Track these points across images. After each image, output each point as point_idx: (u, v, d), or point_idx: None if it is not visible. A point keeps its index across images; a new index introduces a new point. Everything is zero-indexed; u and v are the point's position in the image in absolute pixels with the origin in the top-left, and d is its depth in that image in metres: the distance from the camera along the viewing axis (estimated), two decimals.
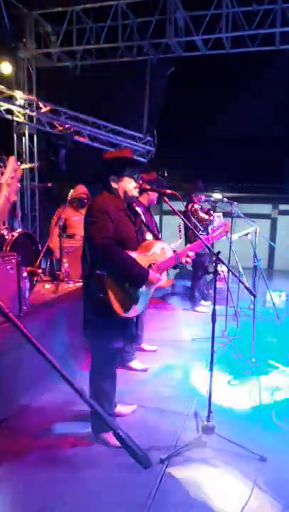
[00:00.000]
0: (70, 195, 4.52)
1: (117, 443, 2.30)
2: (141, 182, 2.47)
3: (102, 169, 2.42)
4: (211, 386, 2.54)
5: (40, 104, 6.83)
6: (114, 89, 7.00)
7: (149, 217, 3.74)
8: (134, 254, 2.31)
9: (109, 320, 2.29)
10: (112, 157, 2.43)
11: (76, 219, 4.78)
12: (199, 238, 2.52)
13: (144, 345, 4.03)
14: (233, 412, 2.92)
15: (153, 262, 2.46)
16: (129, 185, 2.39)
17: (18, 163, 3.22)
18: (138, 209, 2.60)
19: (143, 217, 2.73)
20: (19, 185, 2.94)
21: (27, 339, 0.96)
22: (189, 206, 5.45)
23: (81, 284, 4.01)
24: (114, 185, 2.38)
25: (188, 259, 2.63)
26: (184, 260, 2.60)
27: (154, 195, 3.73)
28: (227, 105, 8.99)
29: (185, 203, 5.49)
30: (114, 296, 2.21)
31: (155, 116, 7.79)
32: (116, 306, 2.21)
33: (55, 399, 2.99)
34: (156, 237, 2.76)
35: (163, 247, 2.56)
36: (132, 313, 2.33)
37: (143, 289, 2.36)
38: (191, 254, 2.64)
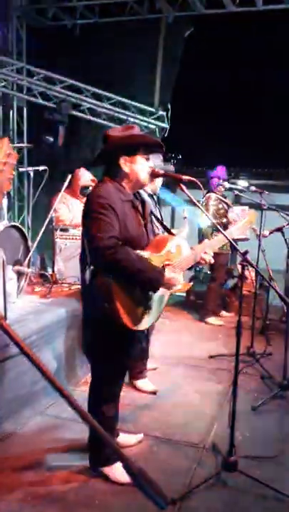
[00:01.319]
0: (67, 180, 4.52)
1: (120, 478, 2.37)
2: (153, 166, 2.47)
3: (111, 148, 2.36)
4: (233, 413, 2.53)
5: (32, 71, 6.87)
6: (121, 54, 7.01)
7: (154, 206, 3.73)
8: (145, 254, 2.31)
9: (116, 334, 2.28)
10: (128, 135, 2.38)
11: (78, 210, 4.78)
12: (222, 233, 2.52)
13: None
14: (260, 445, 2.91)
15: (167, 262, 2.46)
16: (141, 169, 2.37)
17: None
18: (146, 197, 2.60)
19: (153, 207, 2.73)
20: (14, 172, 2.94)
21: (18, 347, 0.97)
22: (206, 196, 5.45)
23: (79, 287, 4.03)
24: (125, 168, 2.35)
25: (209, 257, 2.62)
26: (205, 259, 2.57)
27: (159, 182, 3.74)
28: (257, 74, 8.96)
29: (205, 192, 5.49)
30: (122, 306, 2.19)
31: (169, 87, 7.78)
32: (125, 318, 2.20)
33: (45, 424, 3.01)
34: (169, 232, 2.76)
35: (179, 244, 2.56)
36: (144, 325, 2.33)
37: (156, 295, 2.36)
38: (210, 252, 2.63)
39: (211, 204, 5.41)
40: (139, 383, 3.59)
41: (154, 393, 3.55)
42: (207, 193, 5.52)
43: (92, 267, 2.25)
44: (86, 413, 1.00)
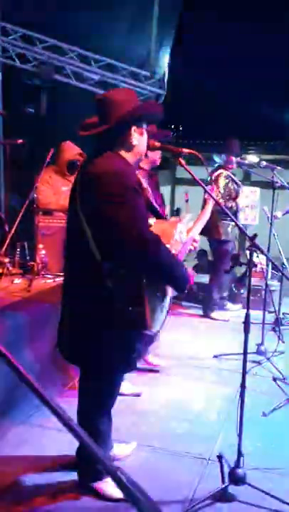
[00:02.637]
0: (50, 155, 4.49)
1: (114, 494, 2.39)
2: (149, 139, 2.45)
3: (124, 117, 2.24)
4: (241, 419, 2.55)
5: (7, 29, 6.77)
6: (110, 7, 6.91)
7: (154, 187, 3.69)
8: None
9: (132, 341, 2.30)
10: (141, 104, 2.35)
11: (64, 190, 4.74)
12: (230, 216, 2.52)
13: (151, 358, 4.03)
14: (272, 455, 2.94)
15: (173, 252, 2.45)
16: (145, 142, 2.37)
17: None
18: (141, 178, 2.59)
19: (149, 189, 2.72)
20: None
21: None
22: (216, 173, 5.43)
23: (62, 279, 4.05)
24: (135, 140, 2.29)
25: (196, 245, 2.65)
26: (193, 246, 2.61)
27: (155, 155, 3.66)
28: (272, 36, 8.83)
29: (210, 169, 5.47)
30: (148, 307, 2.18)
31: (166, 46, 7.70)
32: (149, 321, 2.20)
33: (28, 435, 3.02)
34: (159, 216, 2.73)
35: (181, 231, 2.57)
36: (159, 325, 2.35)
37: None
38: (197, 239, 2.65)
39: (221, 182, 5.39)
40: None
41: (139, 395, 3.57)
42: (216, 169, 5.50)
43: (108, 264, 2.16)
44: (72, 421, 1.00)
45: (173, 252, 2.35)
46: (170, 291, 2.43)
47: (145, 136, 2.35)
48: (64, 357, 2.46)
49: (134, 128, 2.27)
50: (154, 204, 2.82)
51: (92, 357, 2.32)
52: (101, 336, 2.26)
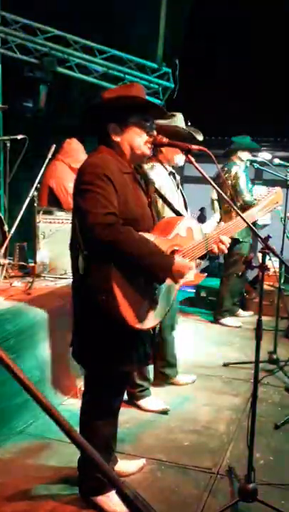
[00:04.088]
0: (51, 152, 4.51)
1: (116, 510, 2.38)
2: (155, 134, 2.45)
3: (98, 114, 2.40)
4: (252, 431, 2.55)
5: (7, 19, 6.81)
6: None
7: (175, 189, 3.68)
8: (150, 238, 2.30)
9: (115, 334, 2.29)
10: (114, 97, 2.41)
11: (71, 186, 4.80)
12: (239, 215, 2.51)
13: (178, 378, 4.02)
14: (284, 470, 2.92)
15: (176, 248, 2.46)
16: (137, 139, 2.38)
17: None
18: (159, 172, 2.59)
19: (157, 184, 2.72)
20: None
21: None
22: (233, 170, 5.44)
23: (66, 281, 4.04)
24: (115, 137, 2.37)
25: (222, 247, 2.62)
26: (215, 248, 2.59)
27: (173, 154, 3.66)
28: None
29: (221, 166, 5.48)
30: (123, 299, 2.18)
31: (177, 38, 7.70)
32: (127, 314, 2.20)
33: (26, 446, 3.03)
34: (177, 213, 2.76)
35: (190, 227, 2.55)
36: (149, 322, 2.33)
37: (163, 286, 2.36)
38: (226, 239, 2.63)
39: (241, 181, 5.41)
40: (144, 402, 3.56)
41: (165, 413, 3.53)
42: (231, 167, 5.51)
43: (85, 252, 2.24)
44: (74, 431, 1.00)
45: (158, 241, 2.32)
46: (170, 285, 2.42)
47: (135, 134, 2.37)
48: (73, 356, 2.50)
49: (112, 124, 2.36)
50: (172, 203, 2.83)
51: (84, 354, 2.42)
52: (91, 332, 2.34)
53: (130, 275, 2.21)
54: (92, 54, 7.22)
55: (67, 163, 4.94)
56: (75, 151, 4.97)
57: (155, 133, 2.46)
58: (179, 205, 3.47)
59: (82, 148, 5.00)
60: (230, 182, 5.42)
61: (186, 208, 3.69)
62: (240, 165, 5.52)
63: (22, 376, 0.99)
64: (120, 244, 2.12)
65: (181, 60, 7.69)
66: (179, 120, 3.60)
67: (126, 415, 3.38)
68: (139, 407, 3.55)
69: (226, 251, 2.65)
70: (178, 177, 3.77)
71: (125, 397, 3.51)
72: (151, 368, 3.74)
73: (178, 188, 3.70)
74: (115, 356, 2.36)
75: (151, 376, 3.74)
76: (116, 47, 7.26)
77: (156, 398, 3.62)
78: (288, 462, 3.01)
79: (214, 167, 2.77)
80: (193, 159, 2.49)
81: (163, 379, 3.91)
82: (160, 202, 2.89)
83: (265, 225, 4.90)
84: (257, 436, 2.57)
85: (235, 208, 2.57)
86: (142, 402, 3.56)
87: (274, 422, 3.39)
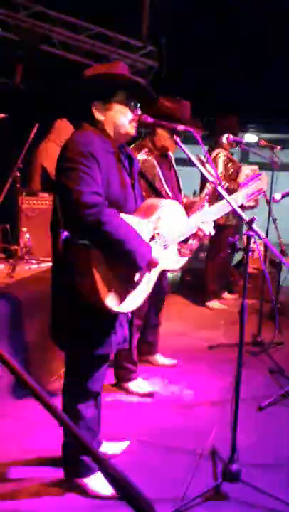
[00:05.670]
0: (33, 131, 4.45)
1: (101, 491, 2.41)
2: (140, 113, 2.43)
3: (81, 92, 2.38)
4: (236, 414, 2.57)
5: None
6: None
7: (166, 168, 3.61)
8: (132, 220, 2.30)
9: (92, 316, 2.30)
10: (98, 74, 2.38)
11: None
12: (223, 197, 2.51)
13: (157, 357, 4.07)
14: (267, 451, 2.97)
15: (158, 231, 2.46)
16: (121, 118, 2.36)
17: None
18: (130, 152, 2.57)
19: (140, 163, 2.70)
20: None
21: None
22: (214, 153, 5.41)
23: (49, 264, 4.02)
24: (98, 116, 2.35)
25: (208, 228, 2.63)
26: (204, 230, 2.59)
27: (163, 137, 3.57)
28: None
29: (207, 148, 5.45)
30: (100, 281, 2.19)
31: (164, 14, 7.61)
32: (104, 296, 2.21)
33: (9, 429, 3.04)
34: (160, 195, 2.75)
35: (173, 210, 2.55)
36: (128, 306, 2.34)
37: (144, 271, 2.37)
38: (208, 221, 2.64)
39: (220, 163, 5.38)
40: (132, 385, 3.59)
41: (151, 395, 3.56)
42: (213, 148, 5.48)
43: (65, 232, 2.23)
44: (59, 411, 1.01)
45: (139, 223, 2.33)
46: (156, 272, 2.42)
47: (118, 112, 2.36)
48: (51, 338, 2.51)
49: (95, 103, 2.34)
50: (156, 185, 2.82)
51: (62, 335, 2.44)
52: (67, 313, 2.35)
53: (110, 258, 2.21)
54: (75, 31, 7.12)
55: (59, 143, 4.87)
56: (67, 131, 4.91)
57: (140, 112, 2.44)
58: (172, 187, 3.44)
59: (73, 129, 4.95)
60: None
61: (179, 190, 3.64)
62: (226, 147, 5.48)
63: (7, 357, 0.99)
64: (103, 225, 2.11)
65: (167, 39, 7.62)
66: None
67: (112, 398, 3.41)
68: (126, 390, 3.58)
69: (211, 233, 2.66)
70: (172, 156, 3.71)
71: (112, 380, 3.56)
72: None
73: (170, 168, 3.66)
74: (93, 339, 2.37)
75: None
76: (100, 24, 7.16)
77: (143, 381, 3.64)
78: (271, 443, 3.06)
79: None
80: (179, 140, 2.48)
81: (140, 353, 3.92)
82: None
83: (250, 207, 4.89)
84: (240, 418, 2.58)
85: (223, 191, 2.56)
86: (128, 385, 3.58)
87: (258, 404, 3.43)
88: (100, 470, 1.00)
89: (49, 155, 4.87)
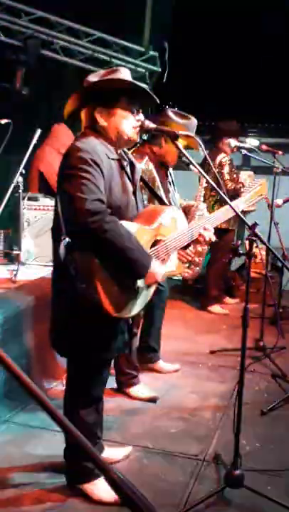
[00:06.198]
0: (36, 136, 4.46)
1: (104, 497, 2.41)
2: (143, 119, 2.44)
3: (84, 97, 2.38)
4: (239, 419, 2.57)
5: None
6: None
7: (163, 176, 3.66)
8: (133, 227, 2.30)
9: (93, 322, 2.30)
10: (101, 79, 2.38)
11: None
12: (227, 203, 2.52)
13: (161, 364, 4.05)
14: (270, 456, 2.96)
15: (159, 237, 2.46)
16: (124, 123, 2.37)
17: None
18: (132, 158, 2.58)
19: (141, 171, 2.71)
20: None
21: None
22: (218, 158, 5.43)
23: (51, 269, 4.02)
24: (101, 121, 2.36)
25: (209, 234, 2.64)
26: (205, 236, 2.60)
27: (169, 152, 3.58)
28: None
29: (207, 152, 5.46)
30: (102, 288, 2.20)
31: (165, 19, 7.63)
32: (105, 302, 2.21)
33: (11, 435, 3.03)
34: (162, 202, 2.76)
35: (174, 217, 2.56)
36: (128, 312, 2.34)
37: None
38: (209, 228, 2.64)
39: (225, 170, 5.40)
40: (133, 390, 3.58)
41: (154, 401, 3.55)
42: (216, 154, 5.49)
43: (67, 239, 2.23)
44: (62, 417, 1.01)
45: (141, 231, 2.33)
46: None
47: (122, 118, 2.36)
48: (51, 344, 2.50)
49: (98, 109, 2.34)
50: (159, 192, 2.84)
51: (62, 341, 2.43)
52: (67, 318, 2.35)
53: (111, 265, 2.22)
54: (77, 36, 7.13)
55: (56, 148, 4.90)
56: (64, 137, 4.93)
57: (142, 118, 2.45)
58: (168, 195, 3.48)
59: (71, 134, 4.97)
60: (214, 170, 5.42)
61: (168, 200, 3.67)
62: (226, 152, 5.50)
63: (10, 363, 0.99)
64: (105, 233, 2.12)
65: (170, 44, 7.63)
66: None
67: (114, 403, 3.40)
68: (128, 395, 3.57)
69: (214, 238, 2.67)
70: (171, 170, 3.76)
71: (114, 385, 3.55)
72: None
73: (167, 177, 3.69)
74: (94, 344, 2.37)
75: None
76: (102, 30, 7.18)
77: (144, 386, 3.64)
78: (274, 448, 3.05)
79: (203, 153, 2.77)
80: (180, 145, 2.48)
81: (143, 361, 3.92)
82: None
83: (250, 211, 4.90)
84: (243, 423, 2.59)
85: (225, 196, 2.57)
86: (130, 390, 3.57)
87: (260, 409, 3.42)
88: (103, 476, 1.00)
89: (46, 159, 4.88)
